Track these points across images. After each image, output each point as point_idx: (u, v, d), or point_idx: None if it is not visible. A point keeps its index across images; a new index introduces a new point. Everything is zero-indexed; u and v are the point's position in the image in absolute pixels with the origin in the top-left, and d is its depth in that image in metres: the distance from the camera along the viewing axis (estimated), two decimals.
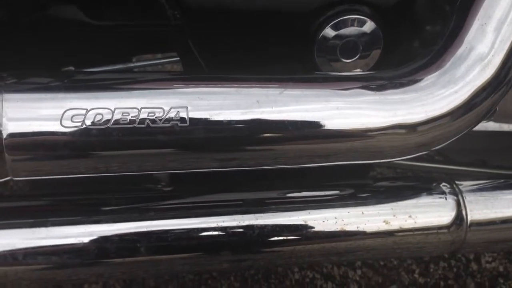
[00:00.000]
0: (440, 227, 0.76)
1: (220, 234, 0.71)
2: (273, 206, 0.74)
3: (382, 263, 1.53)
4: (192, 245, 0.71)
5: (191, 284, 1.44)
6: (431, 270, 1.53)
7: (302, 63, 0.77)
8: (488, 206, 0.78)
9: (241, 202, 0.74)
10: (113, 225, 0.69)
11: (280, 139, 0.62)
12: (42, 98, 0.56)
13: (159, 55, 0.94)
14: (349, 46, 0.74)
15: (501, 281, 1.54)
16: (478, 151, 1.03)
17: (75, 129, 0.56)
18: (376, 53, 0.76)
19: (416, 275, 1.52)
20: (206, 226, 0.71)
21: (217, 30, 0.74)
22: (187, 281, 1.45)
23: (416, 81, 0.65)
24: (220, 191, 0.77)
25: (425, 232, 0.76)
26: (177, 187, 0.81)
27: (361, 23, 0.73)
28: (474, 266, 1.55)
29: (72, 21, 0.71)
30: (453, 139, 0.69)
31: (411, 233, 0.75)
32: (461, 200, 0.78)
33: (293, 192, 0.78)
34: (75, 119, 0.56)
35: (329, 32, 0.73)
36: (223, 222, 0.71)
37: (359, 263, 1.53)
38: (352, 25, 0.73)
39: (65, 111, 0.56)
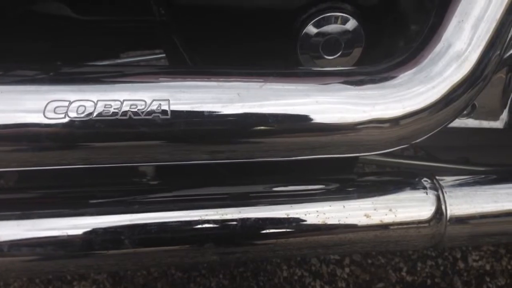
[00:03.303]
0: (420, 222, 0.77)
1: (205, 227, 0.72)
2: (257, 200, 0.75)
3: (370, 261, 1.55)
4: (178, 238, 0.72)
5: (180, 282, 1.45)
6: (419, 268, 1.55)
7: (286, 59, 0.79)
8: (468, 201, 0.79)
9: (226, 196, 0.75)
10: (100, 217, 0.70)
11: (260, 132, 0.63)
12: (26, 90, 0.57)
13: (145, 52, 0.95)
14: (332, 43, 0.76)
15: (488, 279, 1.56)
16: (460, 148, 1.04)
17: (58, 120, 0.57)
18: (358, 51, 0.77)
19: (403, 273, 1.54)
20: (192, 219, 0.72)
21: (201, 26, 0.75)
22: (176, 279, 1.45)
23: (394, 77, 0.66)
24: (205, 185, 0.78)
25: (405, 226, 0.77)
26: (163, 181, 0.82)
27: (344, 21, 0.75)
28: (461, 264, 1.57)
29: (59, 16, 0.72)
30: (432, 133, 0.70)
31: (391, 227, 0.76)
32: (441, 195, 0.79)
33: (277, 187, 0.79)
34: (58, 110, 0.57)
35: (311, 29, 0.74)
36: (208, 215, 0.72)
37: (347, 261, 1.54)
38: (335, 22, 0.75)
39: (48, 103, 0.57)
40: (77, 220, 0.69)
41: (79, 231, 0.69)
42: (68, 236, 0.68)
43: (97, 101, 0.58)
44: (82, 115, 0.58)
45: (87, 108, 0.58)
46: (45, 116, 0.57)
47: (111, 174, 0.76)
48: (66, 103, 0.57)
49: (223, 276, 1.48)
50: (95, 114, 0.58)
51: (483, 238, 0.83)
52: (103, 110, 0.58)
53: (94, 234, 0.69)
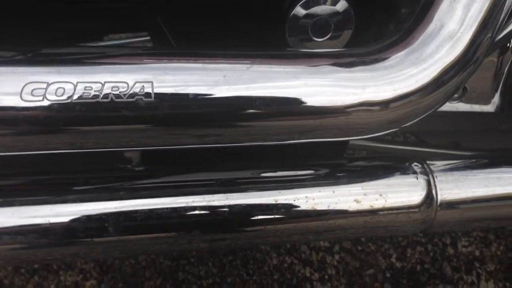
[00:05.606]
0: (410, 207, 0.76)
1: (192, 214, 0.70)
2: (245, 186, 0.74)
3: (359, 248, 1.54)
4: (164, 225, 0.70)
5: (168, 270, 1.44)
6: (408, 254, 1.55)
7: (274, 42, 0.77)
8: (458, 186, 0.78)
9: (213, 182, 0.74)
10: (83, 205, 0.68)
11: (247, 116, 0.61)
12: (2, 72, 0.54)
13: (129, 35, 0.92)
14: (321, 25, 0.73)
15: (477, 265, 1.56)
16: (451, 133, 1.03)
17: (36, 103, 0.55)
18: (348, 33, 0.76)
19: (393, 260, 1.54)
20: (178, 206, 0.70)
21: (187, 7, 0.72)
22: (164, 267, 1.44)
23: (385, 59, 0.64)
24: (192, 171, 0.76)
25: (396, 211, 0.76)
26: (149, 167, 0.80)
27: (333, 2, 0.73)
28: (450, 250, 1.57)
29: None
30: (422, 116, 0.69)
31: (381, 212, 0.75)
32: (431, 180, 0.78)
33: (265, 172, 0.77)
34: (35, 93, 0.54)
35: (300, 10, 0.72)
36: (194, 202, 0.70)
37: (337, 248, 1.54)
38: (324, 3, 0.73)
39: (25, 85, 0.54)
40: (60, 208, 0.67)
41: (62, 219, 0.67)
42: (51, 223, 0.66)
43: (77, 83, 0.55)
44: (61, 98, 0.55)
45: (66, 91, 0.55)
46: (22, 99, 0.54)
47: (95, 160, 0.74)
48: (44, 85, 0.55)
49: (212, 265, 1.46)
50: (75, 96, 0.55)
51: (474, 223, 0.83)
52: (83, 92, 0.56)
53: (77, 221, 0.67)
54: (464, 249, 1.58)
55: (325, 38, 0.75)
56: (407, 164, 0.79)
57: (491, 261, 1.55)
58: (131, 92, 0.57)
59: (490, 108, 0.90)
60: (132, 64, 0.59)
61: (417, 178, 0.78)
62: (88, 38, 0.82)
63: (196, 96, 0.58)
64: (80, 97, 0.56)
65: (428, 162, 0.80)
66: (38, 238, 0.66)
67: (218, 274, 1.45)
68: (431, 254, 1.56)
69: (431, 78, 0.64)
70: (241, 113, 0.60)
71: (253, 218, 0.72)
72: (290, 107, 0.61)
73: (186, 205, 0.70)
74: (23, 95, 0.54)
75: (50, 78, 0.55)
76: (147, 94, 0.57)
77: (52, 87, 0.55)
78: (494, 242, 1.58)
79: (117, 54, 0.60)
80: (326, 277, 1.49)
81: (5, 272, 1.37)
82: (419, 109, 0.67)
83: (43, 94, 0.55)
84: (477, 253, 1.57)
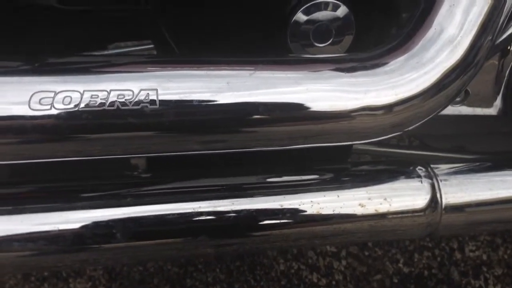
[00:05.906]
0: (415, 211, 0.76)
1: (198, 220, 0.71)
2: (250, 191, 0.74)
3: (367, 253, 1.54)
4: (171, 231, 0.71)
5: (176, 277, 1.44)
6: (415, 259, 1.55)
7: (276, 48, 0.78)
8: (463, 189, 0.79)
9: (218, 188, 0.74)
10: (92, 211, 0.69)
11: (250, 121, 0.62)
12: (9, 82, 0.56)
13: (134, 43, 0.94)
14: (322, 31, 0.74)
15: (485, 269, 1.55)
16: (454, 136, 1.04)
17: (44, 112, 0.56)
18: (348, 38, 0.76)
19: (400, 265, 1.53)
20: (184, 211, 0.71)
21: (189, 15, 0.74)
22: (172, 274, 1.45)
23: (386, 63, 0.65)
24: (198, 177, 0.77)
25: (400, 215, 0.76)
26: (155, 174, 0.81)
27: (334, 7, 0.74)
28: (457, 255, 1.57)
29: (43, 6, 0.71)
30: (425, 119, 0.69)
31: (386, 216, 0.76)
32: (436, 184, 0.78)
33: (270, 177, 0.78)
34: (43, 102, 0.56)
35: (301, 16, 0.73)
36: (200, 207, 0.71)
37: (344, 253, 1.54)
38: (325, 9, 0.74)
39: (33, 94, 0.55)
40: (69, 215, 0.68)
41: (71, 226, 0.68)
42: (60, 230, 0.67)
43: (84, 91, 0.57)
44: (69, 106, 0.56)
45: (73, 99, 0.56)
46: (30, 108, 0.55)
47: (102, 167, 0.75)
48: (52, 94, 0.56)
49: (220, 271, 1.47)
50: (81, 105, 0.57)
51: (479, 227, 0.83)
52: (90, 100, 0.57)
53: (86, 228, 0.68)
54: (471, 254, 1.57)
55: (326, 44, 0.76)
56: (411, 168, 0.80)
57: (499, 265, 1.54)
58: (136, 99, 0.58)
59: (492, 111, 0.91)
60: (136, 72, 0.60)
61: (421, 182, 0.78)
62: (92, 47, 0.83)
63: (200, 102, 0.59)
64: (87, 105, 0.57)
65: (432, 165, 0.80)
66: (47, 245, 0.67)
67: (226, 280, 1.45)
68: (439, 259, 1.55)
69: (431, 82, 0.65)
70: (245, 119, 0.61)
71: (259, 223, 0.72)
72: (292, 113, 0.62)
73: (193, 210, 0.71)
74: (31, 104, 0.55)
75: (57, 87, 0.56)
76: (152, 102, 0.58)
77: (60, 96, 0.56)
78: (501, 246, 1.58)
79: (122, 63, 0.61)
80: (334, 282, 1.49)
81: (15, 279, 1.38)
82: (421, 113, 0.67)
83: (51, 103, 0.56)
84: (484, 257, 1.57)
